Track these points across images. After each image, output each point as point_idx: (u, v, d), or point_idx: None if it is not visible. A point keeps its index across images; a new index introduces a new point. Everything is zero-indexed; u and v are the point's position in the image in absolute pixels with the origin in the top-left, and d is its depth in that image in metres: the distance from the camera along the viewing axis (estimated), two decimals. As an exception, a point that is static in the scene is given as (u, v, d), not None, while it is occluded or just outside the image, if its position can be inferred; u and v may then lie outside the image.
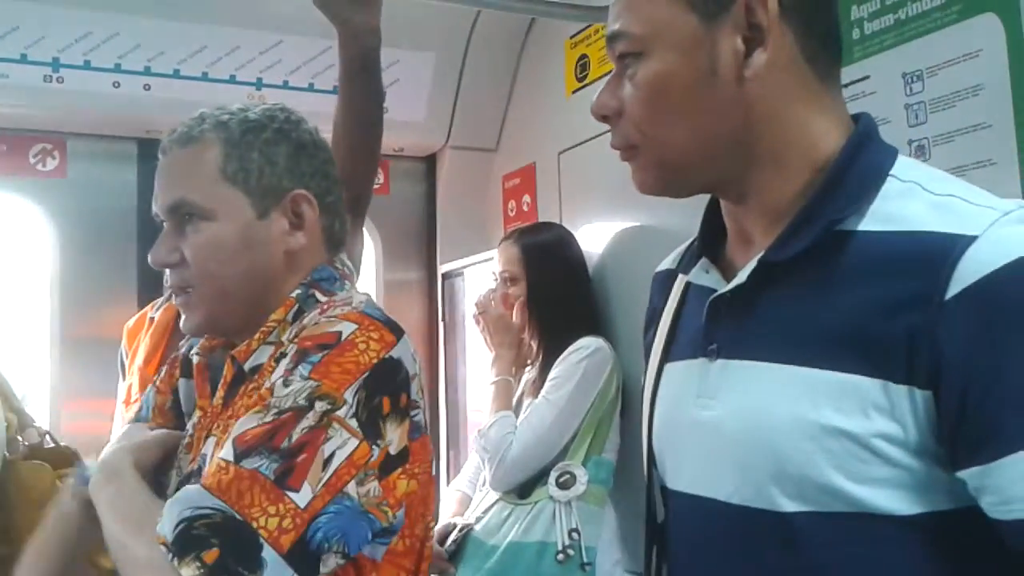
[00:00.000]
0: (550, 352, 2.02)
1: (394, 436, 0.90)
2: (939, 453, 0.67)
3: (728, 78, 0.76)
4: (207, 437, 0.99)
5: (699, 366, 0.82)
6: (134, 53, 2.30)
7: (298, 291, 1.01)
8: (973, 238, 0.66)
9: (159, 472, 1.03)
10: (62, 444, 1.70)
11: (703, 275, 0.85)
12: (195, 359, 1.08)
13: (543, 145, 2.52)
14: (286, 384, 0.88)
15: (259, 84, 2.43)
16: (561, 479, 1.91)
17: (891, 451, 0.68)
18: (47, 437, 1.68)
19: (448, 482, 2.56)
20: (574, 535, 1.85)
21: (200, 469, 0.97)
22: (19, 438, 1.63)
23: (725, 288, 0.80)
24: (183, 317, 1.03)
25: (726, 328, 0.80)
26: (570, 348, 1.97)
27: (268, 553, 0.80)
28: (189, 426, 1.06)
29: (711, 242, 0.88)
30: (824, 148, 0.77)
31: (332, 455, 0.84)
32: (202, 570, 0.78)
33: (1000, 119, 1.33)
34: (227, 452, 0.85)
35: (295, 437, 0.84)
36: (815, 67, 0.78)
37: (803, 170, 0.78)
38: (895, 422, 0.67)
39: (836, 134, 0.78)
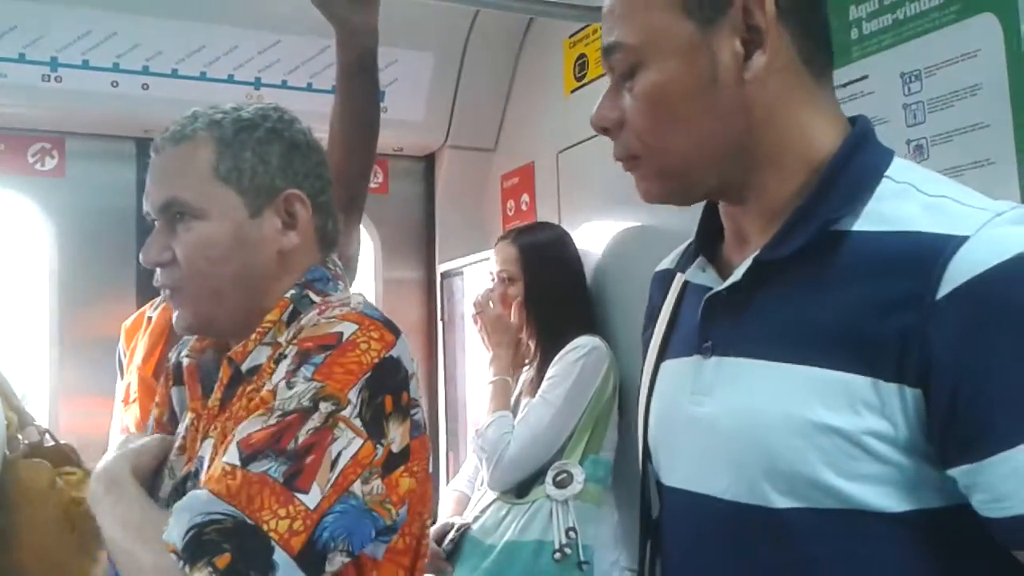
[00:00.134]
0: (547, 351, 2.02)
1: (396, 434, 0.90)
2: (929, 451, 0.68)
3: (728, 82, 0.76)
4: (203, 439, 0.99)
5: (694, 363, 0.82)
6: (132, 53, 2.29)
7: (292, 291, 1.01)
8: (964, 238, 0.66)
9: (157, 477, 1.03)
10: (62, 442, 1.71)
11: (700, 273, 0.86)
12: (185, 361, 1.08)
13: (542, 145, 2.52)
14: (289, 386, 0.87)
15: (257, 84, 2.43)
16: (558, 478, 1.91)
17: (881, 448, 0.68)
18: (47, 435, 1.68)
19: (447, 481, 2.56)
20: (571, 534, 1.85)
21: (197, 472, 0.97)
22: (19, 436, 1.63)
23: (720, 286, 0.81)
24: (175, 316, 1.03)
25: (721, 326, 0.80)
26: (567, 347, 1.98)
27: (280, 556, 0.80)
28: (181, 428, 1.06)
29: (708, 241, 0.88)
30: (821, 149, 0.78)
31: (339, 455, 0.85)
32: (215, 575, 0.78)
33: (998, 119, 1.33)
34: (232, 456, 0.84)
35: (301, 438, 0.84)
36: (811, 68, 0.79)
37: (800, 171, 0.78)
38: (885, 420, 0.68)
39: (832, 135, 0.79)
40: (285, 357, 0.92)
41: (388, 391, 0.90)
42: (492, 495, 1.99)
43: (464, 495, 2.15)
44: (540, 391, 1.96)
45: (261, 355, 0.98)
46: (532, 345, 2.09)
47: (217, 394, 1.00)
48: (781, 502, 0.72)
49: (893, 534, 0.69)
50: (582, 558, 1.85)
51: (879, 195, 0.74)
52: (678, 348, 0.88)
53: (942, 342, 0.65)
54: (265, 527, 0.80)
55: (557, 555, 1.84)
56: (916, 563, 0.69)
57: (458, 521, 2.01)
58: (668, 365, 0.89)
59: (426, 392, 2.80)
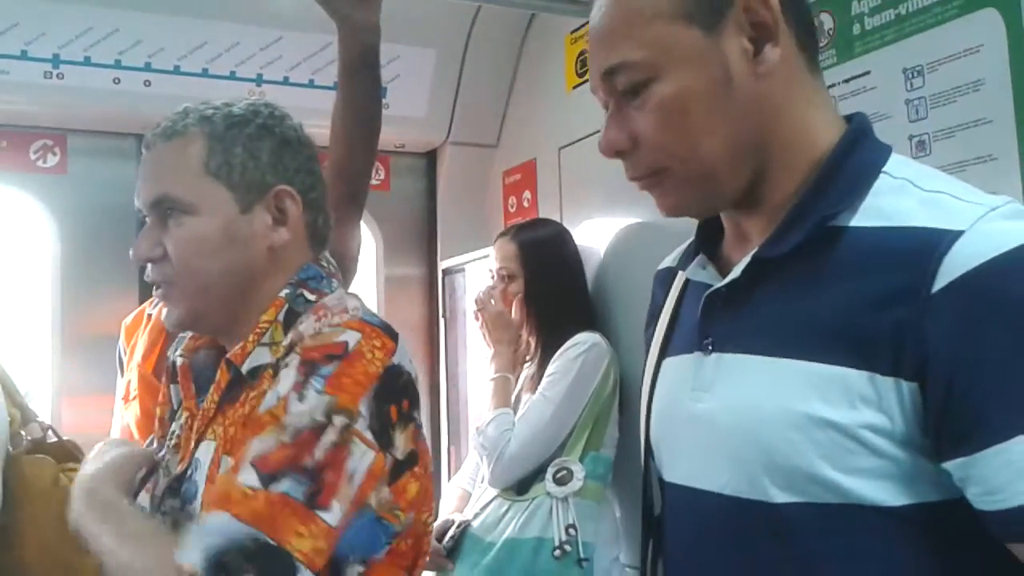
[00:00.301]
0: (547, 348, 2.02)
1: (401, 441, 0.91)
2: (925, 444, 0.68)
3: (743, 80, 0.76)
4: (198, 440, 0.99)
5: (694, 360, 0.83)
6: (134, 49, 2.30)
7: (287, 291, 1.01)
8: (960, 233, 0.66)
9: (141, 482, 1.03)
10: (65, 438, 1.71)
11: (700, 271, 0.86)
12: (178, 361, 1.08)
13: (544, 141, 2.52)
14: (300, 399, 0.87)
15: (259, 80, 2.43)
16: (558, 475, 1.91)
17: (878, 442, 0.69)
18: (50, 431, 1.68)
19: (448, 478, 2.56)
20: (571, 531, 1.85)
21: (191, 473, 0.97)
22: (22, 432, 1.63)
23: (720, 283, 0.81)
24: (165, 312, 1.03)
25: (721, 323, 0.81)
26: (567, 344, 1.97)
27: (304, 575, 0.81)
28: (175, 426, 1.06)
29: (708, 238, 0.89)
30: (821, 144, 0.78)
31: (355, 470, 0.85)
32: None
33: (1001, 114, 1.33)
34: (250, 477, 0.83)
35: (319, 455, 0.84)
36: (808, 61, 0.79)
37: (802, 167, 0.78)
38: (882, 413, 0.68)
39: (831, 131, 0.79)
40: (287, 366, 0.91)
41: (393, 400, 0.90)
42: (492, 492, 1.99)
43: (466, 492, 2.15)
44: (540, 388, 1.96)
45: (260, 356, 0.97)
46: (532, 342, 2.09)
47: (214, 396, 0.99)
48: (780, 497, 0.73)
49: (891, 528, 0.70)
50: (582, 555, 1.85)
51: (876, 190, 0.74)
52: (679, 345, 0.88)
53: (937, 336, 0.66)
54: (288, 547, 0.80)
55: (557, 552, 1.84)
56: (914, 557, 0.70)
57: (459, 518, 2.01)
58: (670, 362, 0.90)
59: (427, 389, 2.80)
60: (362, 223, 1.43)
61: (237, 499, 0.82)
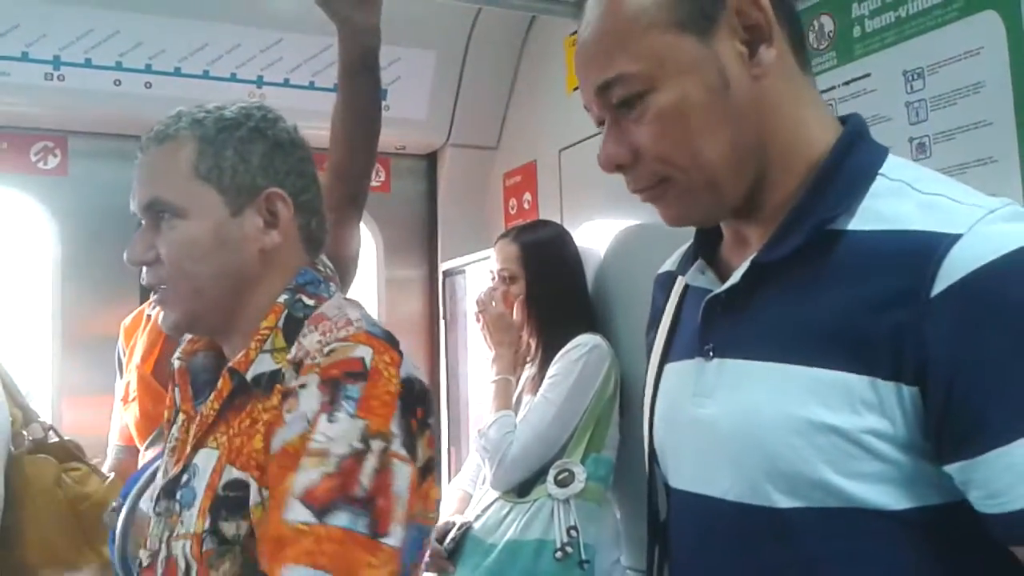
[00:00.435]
0: (548, 350, 2.02)
1: (421, 448, 0.92)
2: (926, 448, 0.68)
3: (740, 83, 0.76)
4: (195, 445, 0.98)
5: (696, 366, 0.83)
6: (135, 51, 2.30)
7: (284, 296, 1.00)
8: (958, 236, 0.66)
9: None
10: (66, 438, 1.71)
11: (699, 276, 0.86)
12: (176, 364, 1.08)
13: (544, 143, 2.52)
14: (332, 420, 0.87)
15: (260, 82, 2.43)
16: (560, 477, 1.91)
17: (880, 446, 0.69)
18: (51, 432, 1.69)
19: (449, 480, 2.56)
20: (572, 533, 1.85)
21: (187, 479, 0.96)
22: (24, 433, 1.64)
23: (719, 289, 0.81)
24: (160, 314, 1.03)
25: (721, 328, 0.81)
26: (568, 346, 1.97)
27: None
28: (174, 429, 1.06)
29: (707, 243, 0.89)
30: (818, 145, 0.78)
31: (400, 489, 0.87)
32: None
33: (1001, 116, 1.33)
34: (300, 513, 0.83)
35: (366, 483, 0.85)
36: (799, 59, 0.80)
37: (800, 168, 0.78)
38: (884, 418, 0.68)
39: (828, 130, 0.79)
40: (305, 386, 0.90)
41: (412, 415, 0.91)
42: (494, 494, 1.99)
43: (467, 493, 2.15)
44: (541, 390, 1.96)
45: (263, 363, 0.97)
46: (533, 343, 2.09)
47: (214, 404, 0.98)
48: (783, 502, 0.73)
49: (894, 531, 0.70)
50: (583, 557, 1.85)
51: (874, 193, 0.74)
52: (680, 351, 0.88)
53: (937, 340, 0.66)
54: None
55: (558, 554, 1.84)
56: (917, 560, 0.70)
57: (460, 520, 2.01)
58: (671, 368, 0.90)
59: (428, 390, 2.80)
60: (362, 225, 1.43)
61: (292, 538, 0.82)
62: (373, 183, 1.44)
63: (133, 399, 1.92)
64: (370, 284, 2.82)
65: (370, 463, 0.86)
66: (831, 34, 1.61)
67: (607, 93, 0.78)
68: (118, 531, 1.06)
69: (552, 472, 1.92)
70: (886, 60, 1.51)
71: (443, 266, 2.82)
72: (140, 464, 1.92)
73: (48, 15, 2.20)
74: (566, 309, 2.07)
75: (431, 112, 2.70)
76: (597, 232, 2.24)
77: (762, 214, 0.80)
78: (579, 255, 2.16)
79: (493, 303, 2.12)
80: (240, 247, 1.00)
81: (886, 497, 0.69)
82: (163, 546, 0.97)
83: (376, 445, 0.87)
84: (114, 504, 1.21)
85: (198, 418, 1.00)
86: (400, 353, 0.94)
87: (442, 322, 2.83)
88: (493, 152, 2.81)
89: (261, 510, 0.89)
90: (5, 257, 2.58)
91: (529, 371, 2.10)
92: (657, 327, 0.96)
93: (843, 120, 0.82)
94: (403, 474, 0.88)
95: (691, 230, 0.90)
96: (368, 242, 2.81)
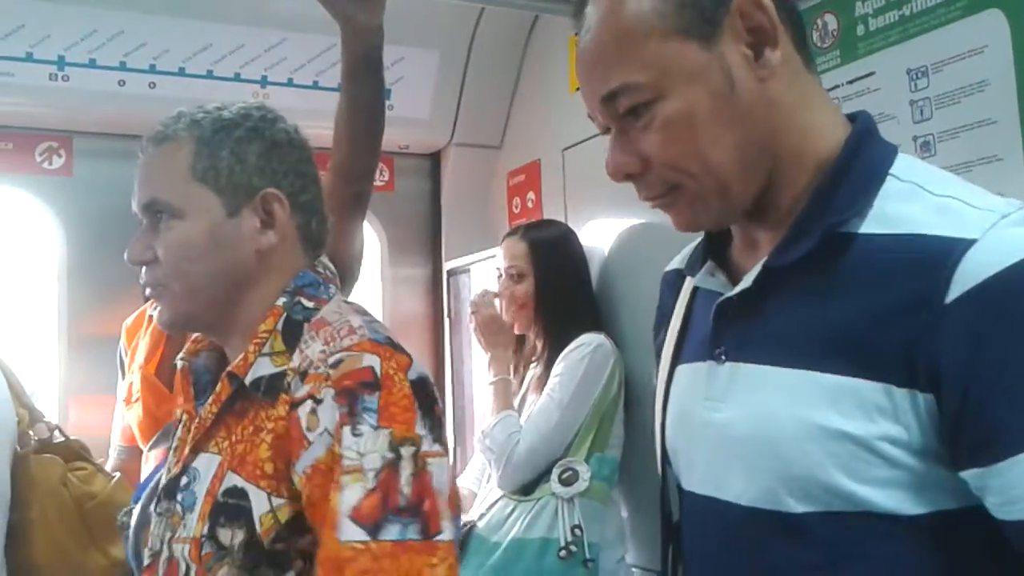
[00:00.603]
0: (554, 349, 2.02)
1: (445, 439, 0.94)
2: (942, 453, 0.68)
3: (746, 86, 0.75)
4: (194, 448, 0.98)
5: (707, 369, 0.82)
6: (139, 51, 2.30)
7: (283, 299, 1.00)
8: (972, 242, 0.66)
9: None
10: (71, 438, 1.72)
11: (709, 279, 0.86)
12: (179, 364, 1.08)
13: (547, 142, 2.52)
14: (356, 432, 0.87)
15: (264, 82, 2.43)
16: (564, 475, 1.91)
17: (895, 453, 0.68)
18: (56, 431, 1.69)
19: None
20: (576, 532, 1.85)
21: (190, 486, 0.96)
22: (30, 432, 1.64)
23: (731, 292, 0.81)
24: (157, 313, 1.04)
25: (733, 332, 0.80)
26: (572, 345, 1.98)
27: None
28: (179, 429, 1.06)
29: (716, 243, 0.88)
30: (826, 145, 0.78)
31: (440, 484, 0.88)
32: None
33: (1005, 115, 1.33)
34: (354, 532, 0.84)
35: (407, 491, 0.86)
36: (803, 58, 0.79)
37: (809, 168, 0.78)
38: (899, 425, 0.68)
39: (836, 129, 0.79)
40: (321, 401, 0.90)
41: (432, 411, 0.92)
42: (498, 492, 2.00)
43: (471, 492, 2.15)
44: (547, 389, 1.96)
45: (262, 367, 0.97)
46: (539, 343, 2.09)
47: (212, 408, 0.98)
48: (797, 507, 0.73)
49: (908, 536, 0.69)
50: (587, 556, 1.85)
51: (884, 194, 0.74)
52: (691, 352, 0.88)
53: (952, 346, 0.65)
54: None
55: (562, 553, 1.84)
56: (931, 564, 0.69)
57: (464, 518, 2.01)
58: (682, 369, 0.89)
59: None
60: (366, 224, 1.43)
61: (351, 558, 0.83)
62: (377, 182, 1.44)
63: (136, 399, 1.92)
64: (374, 283, 2.82)
65: (406, 470, 0.86)
66: (835, 33, 1.61)
67: (612, 103, 0.77)
68: (131, 533, 1.07)
69: (556, 471, 1.92)
70: (890, 59, 1.51)
71: (447, 265, 2.82)
72: (143, 464, 1.92)
73: (52, 16, 2.20)
74: (573, 308, 2.07)
75: (435, 111, 2.70)
76: (601, 231, 2.24)
77: (772, 216, 0.79)
78: (585, 254, 2.16)
79: (486, 304, 2.13)
80: (236, 247, 1.00)
81: (900, 502, 0.69)
82: (164, 547, 0.97)
83: (406, 451, 0.87)
84: (127, 508, 1.22)
85: (197, 421, 1.00)
86: (406, 355, 0.94)
87: (446, 321, 2.83)
88: (497, 151, 2.81)
89: (271, 519, 0.89)
90: (10, 258, 2.59)
91: (535, 370, 2.10)
92: (665, 327, 0.95)
93: (851, 118, 0.81)
94: (440, 469, 0.89)
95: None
96: (372, 241, 2.81)
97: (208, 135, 1.00)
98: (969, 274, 0.65)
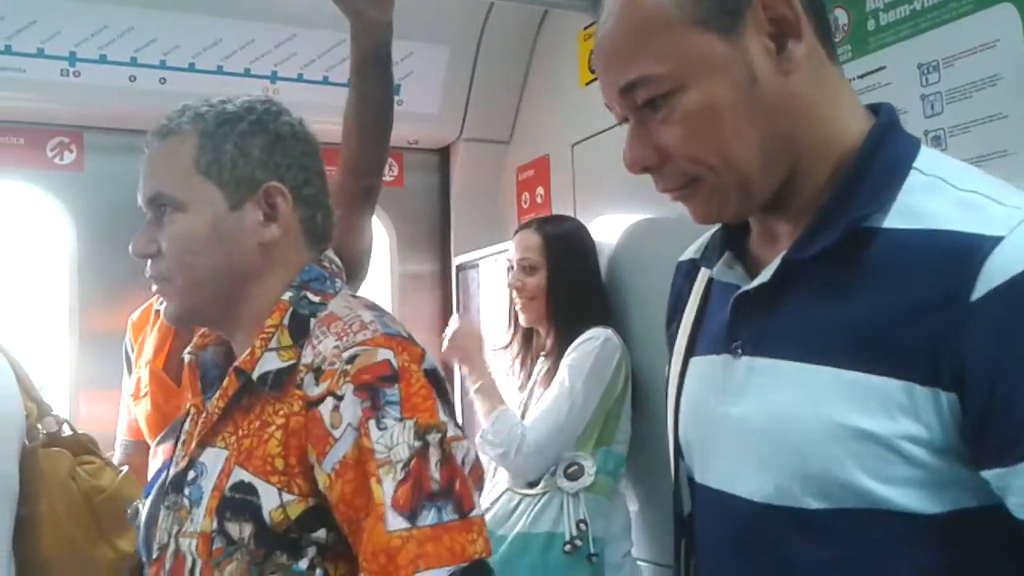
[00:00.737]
0: (564, 342, 2.02)
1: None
2: (963, 452, 0.67)
3: (768, 79, 0.74)
4: (201, 443, 0.99)
5: (724, 362, 0.81)
6: (150, 47, 2.31)
7: (289, 294, 1.00)
8: (999, 239, 0.65)
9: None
10: (80, 432, 1.73)
11: (727, 271, 0.84)
12: (187, 358, 1.09)
13: (556, 137, 2.52)
14: (380, 425, 0.88)
15: (274, 77, 2.44)
16: (569, 470, 1.91)
17: (916, 452, 0.67)
18: (65, 425, 1.70)
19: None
20: (581, 526, 1.86)
21: (197, 480, 0.96)
22: (38, 426, 1.65)
23: (749, 285, 0.79)
24: (163, 307, 1.04)
25: (751, 325, 0.79)
26: (580, 339, 1.98)
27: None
28: (186, 422, 1.07)
29: (734, 234, 0.86)
30: (849, 137, 0.76)
31: (466, 463, 0.92)
32: None
33: (1017, 110, 1.32)
34: (397, 521, 0.85)
35: (438, 476, 0.88)
36: (828, 50, 0.78)
37: (832, 161, 0.76)
38: (920, 423, 0.67)
39: (859, 122, 0.78)
40: (341, 398, 0.90)
41: (447, 399, 0.94)
42: (503, 486, 2.00)
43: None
44: (557, 379, 1.96)
45: (269, 361, 0.97)
46: (549, 337, 2.09)
47: (219, 403, 0.98)
48: (813, 504, 0.72)
49: (925, 535, 0.68)
50: (592, 550, 1.85)
51: (908, 188, 0.72)
52: (706, 345, 0.87)
53: (978, 345, 0.64)
54: (477, 556, 0.87)
55: (567, 547, 1.85)
56: (949, 563, 0.69)
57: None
58: (697, 362, 0.88)
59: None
60: (375, 219, 1.43)
61: (399, 546, 0.85)
62: (386, 177, 1.44)
63: (144, 395, 1.92)
64: (384, 279, 2.83)
65: (434, 456, 0.88)
66: (846, 27, 1.60)
67: (631, 94, 0.76)
68: (141, 527, 1.07)
69: (561, 465, 1.92)
70: (901, 53, 1.50)
71: (456, 260, 2.83)
72: (151, 459, 1.93)
73: (63, 12, 2.21)
74: (583, 302, 2.08)
75: (444, 106, 2.70)
76: (610, 226, 2.24)
77: (792, 208, 0.78)
78: (596, 250, 2.17)
79: (453, 320, 2.18)
80: (239, 241, 1.00)
81: (919, 501, 0.68)
82: (171, 540, 0.98)
83: (432, 438, 0.89)
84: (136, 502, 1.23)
85: (203, 416, 1.00)
86: (418, 348, 0.95)
87: (455, 316, 2.84)
88: (506, 146, 2.81)
89: (281, 514, 0.90)
90: (21, 252, 2.60)
91: (544, 364, 2.10)
92: (679, 318, 0.94)
93: (874, 109, 0.80)
94: (465, 451, 0.92)
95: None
96: (381, 237, 2.81)
97: (212, 128, 1.00)
98: (996, 271, 0.64)
